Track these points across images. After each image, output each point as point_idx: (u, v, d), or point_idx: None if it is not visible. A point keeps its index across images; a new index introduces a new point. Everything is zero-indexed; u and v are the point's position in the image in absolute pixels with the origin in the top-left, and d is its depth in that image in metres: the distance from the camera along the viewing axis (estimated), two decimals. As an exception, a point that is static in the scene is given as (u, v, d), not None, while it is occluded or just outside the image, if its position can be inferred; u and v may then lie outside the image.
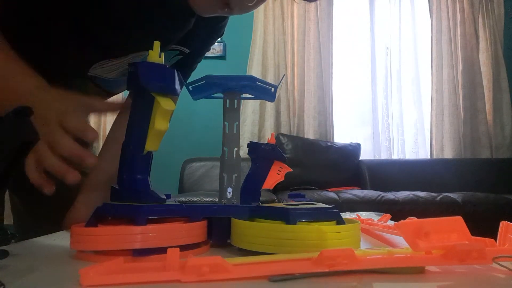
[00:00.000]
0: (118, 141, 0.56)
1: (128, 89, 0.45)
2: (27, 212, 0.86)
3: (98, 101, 0.52)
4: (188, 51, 0.72)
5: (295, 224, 0.38)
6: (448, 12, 3.35)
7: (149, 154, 0.45)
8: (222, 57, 3.37)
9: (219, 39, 1.06)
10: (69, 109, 0.47)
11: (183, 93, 0.52)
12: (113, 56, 0.63)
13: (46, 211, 0.65)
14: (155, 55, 0.43)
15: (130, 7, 0.57)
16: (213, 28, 0.73)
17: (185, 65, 0.75)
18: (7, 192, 0.82)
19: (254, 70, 3.21)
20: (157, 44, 0.43)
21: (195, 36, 0.69)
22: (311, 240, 0.37)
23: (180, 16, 0.61)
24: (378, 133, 3.38)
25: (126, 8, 0.57)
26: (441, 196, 2.47)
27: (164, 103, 0.42)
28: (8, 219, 0.81)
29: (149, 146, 0.43)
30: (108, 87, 0.72)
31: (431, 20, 3.38)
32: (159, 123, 0.42)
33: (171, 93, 0.44)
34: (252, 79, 0.48)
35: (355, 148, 3.16)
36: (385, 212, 0.74)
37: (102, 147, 0.70)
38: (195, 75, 0.54)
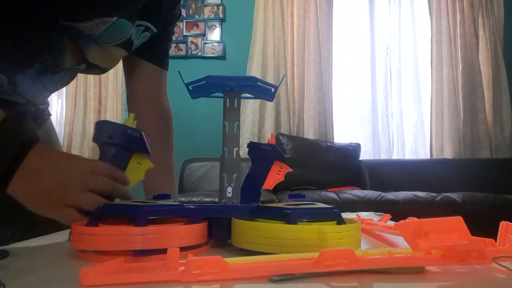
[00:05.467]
0: None
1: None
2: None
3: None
4: (156, 30, 0.76)
5: (296, 224, 0.38)
6: (448, 12, 3.35)
7: None
8: (222, 57, 3.37)
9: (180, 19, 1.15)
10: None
11: (184, 93, 0.52)
12: (77, 20, 0.63)
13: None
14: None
15: None
16: (173, 3, 0.79)
17: (159, 45, 0.82)
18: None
19: (254, 70, 3.20)
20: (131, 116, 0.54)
21: (157, 11, 0.74)
22: (311, 240, 0.37)
23: None
24: (378, 133, 3.37)
25: None
26: (441, 196, 2.47)
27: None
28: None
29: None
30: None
31: (431, 20, 3.38)
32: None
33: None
34: (254, 79, 0.48)
35: (355, 148, 3.16)
36: (385, 212, 0.74)
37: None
38: (195, 75, 0.54)
